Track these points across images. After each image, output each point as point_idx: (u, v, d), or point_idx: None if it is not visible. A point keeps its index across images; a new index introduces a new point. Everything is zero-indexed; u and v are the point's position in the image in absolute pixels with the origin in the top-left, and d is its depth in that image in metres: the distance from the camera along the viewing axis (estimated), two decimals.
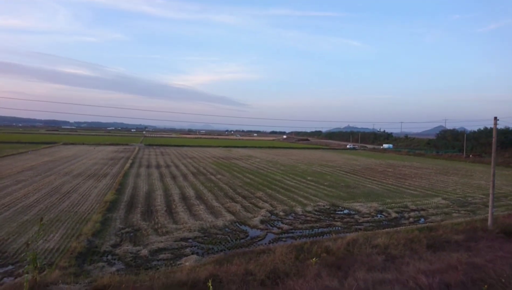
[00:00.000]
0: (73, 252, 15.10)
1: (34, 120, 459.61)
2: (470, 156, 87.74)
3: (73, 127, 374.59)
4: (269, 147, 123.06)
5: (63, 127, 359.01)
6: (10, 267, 13.88)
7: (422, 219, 23.99)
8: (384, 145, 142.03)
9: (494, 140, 21.47)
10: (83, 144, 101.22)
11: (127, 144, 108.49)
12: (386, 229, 20.31)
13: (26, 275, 10.32)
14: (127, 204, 25.67)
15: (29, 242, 13.30)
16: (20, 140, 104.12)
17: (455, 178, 47.48)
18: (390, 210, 26.07)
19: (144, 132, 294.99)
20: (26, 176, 36.81)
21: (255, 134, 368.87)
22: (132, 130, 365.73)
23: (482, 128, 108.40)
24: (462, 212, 26.38)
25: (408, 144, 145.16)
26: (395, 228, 20.66)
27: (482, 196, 33.02)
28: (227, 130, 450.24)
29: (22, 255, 14.68)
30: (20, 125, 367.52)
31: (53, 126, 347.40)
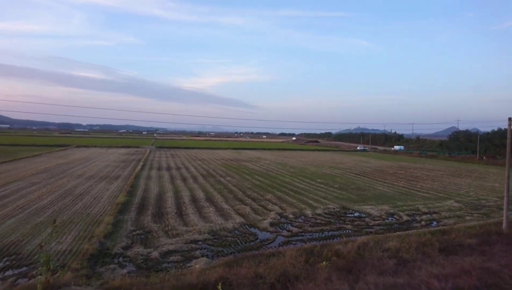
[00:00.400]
0: (85, 254, 15.32)
1: (48, 123, 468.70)
2: (484, 157, 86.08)
3: (86, 130, 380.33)
4: (278, 149, 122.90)
5: (76, 130, 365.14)
6: (24, 268, 14.16)
7: (435, 222, 23.61)
8: (395, 146, 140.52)
9: (508, 141, 21.01)
10: (96, 146, 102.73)
11: (138, 147, 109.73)
12: (398, 233, 20.04)
13: (40, 276, 10.53)
14: (138, 206, 25.94)
15: (43, 244, 13.58)
16: (34, 143, 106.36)
17: (468, 180, 46.63)
18: (401, 213, 25.74)
19: (155, 135, 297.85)
20: (40, 178, 37.53)
21: (264, 136, 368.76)
22: (144, 132, 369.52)
23: (496, 129, 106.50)
24: (476, 215, 25.87)
25: (419, 146, 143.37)
26: (406, 232, 20.36)
27: (496, 198, 32.34)
28: (236, 132, 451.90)
29: (36, 256, 14.95)
30: (34, 128, 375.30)
31: (67, 129, 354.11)
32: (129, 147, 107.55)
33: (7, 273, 13.75)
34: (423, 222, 23.47)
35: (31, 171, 43.51)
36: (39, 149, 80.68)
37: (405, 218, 24.52)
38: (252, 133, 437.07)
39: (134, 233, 19.29)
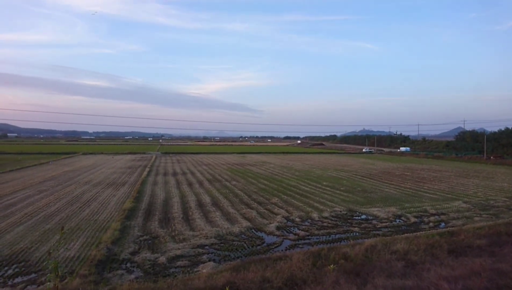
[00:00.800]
0: (93, 260, 15.40)
1: (55, 131, 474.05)
2: (491, 157, 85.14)
3: (92, 137, 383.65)
4: (283, 153, 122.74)
5: (82, 137, 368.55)
6: (33, 275, 14.27)
7: (443, 224, 23.38)
8: (401, 148, 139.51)
9: None
10: (102, 153, 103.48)
11: (144, 153, 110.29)
12: (406, 234, 19.85)
13: (48, 283, 10.57)
14: (145, 211, 26.04)
15: (51, 251, 13.64)
16: (41, 151, 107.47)
17: (476, 180, 46.13)
18: (409, 215, 25.53)
19: (160, 141, 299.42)
20: (48, 186, 37.86)
21: (269, 140, 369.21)
22: (149, 138, 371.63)
23: (503, 129, 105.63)
24: (484, 215, 25.56)
25: (426, 147, 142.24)
26: (414, 233, 20.17)
27: (505, 199, 31.95)
28: (241, 137, 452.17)
29: (44, 263, 15.06)
30: (41, 136, 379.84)
31: (73, 137, 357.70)
32: (135, 153, 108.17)
33: (16, 280, 13.88)
34: (431, 224, 23.26)
35: (38, 179, 43.92)
36: (46, 157, 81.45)
37: (412, 220, 24.31)
38: (256, 137, 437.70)
39: (141, 238, 19.36)
